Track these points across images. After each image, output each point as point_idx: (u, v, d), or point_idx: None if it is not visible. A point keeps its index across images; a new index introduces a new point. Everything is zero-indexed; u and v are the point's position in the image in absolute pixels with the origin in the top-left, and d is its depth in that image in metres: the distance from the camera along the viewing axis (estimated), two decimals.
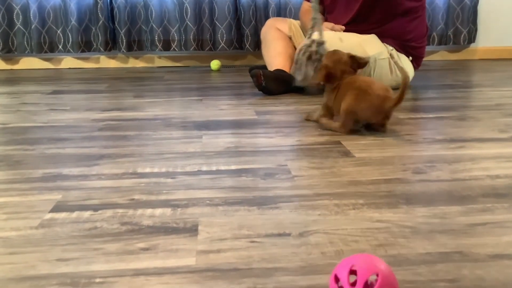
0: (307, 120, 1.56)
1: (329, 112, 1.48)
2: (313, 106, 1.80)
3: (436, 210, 0.88)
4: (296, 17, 2.73)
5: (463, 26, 3.09)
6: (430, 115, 1.63)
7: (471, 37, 3.13)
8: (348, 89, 1.39)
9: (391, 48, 2.04)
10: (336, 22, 2.11)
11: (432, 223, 0.83)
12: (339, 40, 1.95)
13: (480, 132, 1.41)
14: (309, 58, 1.56)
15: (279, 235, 0.79)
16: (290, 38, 2.30)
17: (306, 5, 2.30)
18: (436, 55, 3.22)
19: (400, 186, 1.00)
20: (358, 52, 1.92)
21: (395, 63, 2.04)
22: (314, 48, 1.55)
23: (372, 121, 1.39)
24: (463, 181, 1.02)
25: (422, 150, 1.25)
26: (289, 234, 0.79)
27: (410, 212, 0.87)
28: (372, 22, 2.06)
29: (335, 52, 1.50)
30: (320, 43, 1.56)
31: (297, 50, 1.62)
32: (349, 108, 1.37)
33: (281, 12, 3.00)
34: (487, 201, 0.92)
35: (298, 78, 1.59)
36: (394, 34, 2.05)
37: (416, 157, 1.20)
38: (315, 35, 1.58)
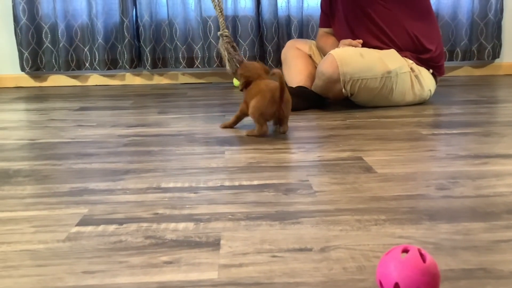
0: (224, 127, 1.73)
1: (242, 111, 1.68)
2: (335, 122, 1.80)
3: (459, 227, 0.87)
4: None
5: (487, 42, 3.07)
6: (454, 131, 1.62)
7: (496, 53, 3.10)
8: (250, 95, 1.59)
9: (411, 61, 2.04)
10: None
11: (455, 240, 0.82)
12: (360, 56, 1.96)
13: (504, 148, 1.39)
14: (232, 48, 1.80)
15: (301, 250, 0.80)
16: (310, 57, 2.32)
17: (322, 31, 2.35)
18: (460, 71, 3.20)
19: (423, 202, 1.00)
20: (379, 67, 1.95)
21: (416, 76, 2.04)
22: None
23: (273, 111, 1.55)
24: (487, 198, 1.01)
25: (446, 166, 1.24)
26: (310, 249, 0.80)
27: (433, 228, 0.87)
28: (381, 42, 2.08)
29: (250, 62, 1.72)
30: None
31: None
32: (254, 110, 1.56)
33: (303, 29, 3.03)
34: (511, 218, 0.91)
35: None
36: (406, 45, 2.05)
37: (439, 173, 1.19)
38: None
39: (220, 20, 1.84)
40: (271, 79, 1.60)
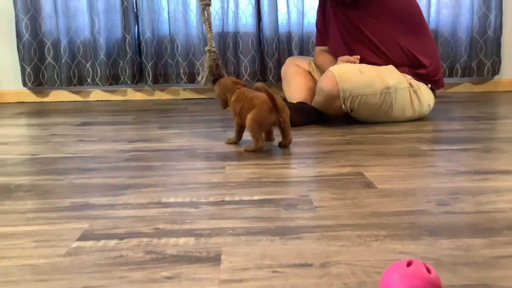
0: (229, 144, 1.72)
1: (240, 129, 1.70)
2: (335, 137, 1.81)
3: (459, 243, 0.87)
4: None
5: (486, 58, 3.09)
6: (454, 147, 1.62)
7: (495, 69, 3.12)
8: (245, 110, 1.61)
9: (409, 77, 2.06)
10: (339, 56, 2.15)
11: (456, 256, 0.82)
12: (359, 72, 1.97)
13: (504, 164, 1.40)
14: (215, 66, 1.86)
15: (301, 265, 0.80)
16: (309, 73, 2.34)
17: (318, 49, 2.38)
18: (460, 87, 3.21)
19: (423, 217, 1.00)
20: (378, 83, 1.96)
21: (415, 92, 2.05)
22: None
23: (272, 121, 1.57)
24: (488, 214, 1.01)
25: (446, 182, 1.24)
26: (311, 265, 0.80)
27: (434, 244, 0.87)
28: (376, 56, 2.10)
29: (219, 81, 1.76)
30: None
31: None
32: (252, 123, 1.56)
33: (303, 45, 3.05)
34: (511, 234, 0.91)
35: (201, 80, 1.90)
36: (403, 61, 2.07)
37: (440, 188, 1.19)
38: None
39: (209, 35, 1.88)
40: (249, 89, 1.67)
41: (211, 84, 1.85)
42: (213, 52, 1.85)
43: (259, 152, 1.59)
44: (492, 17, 3.05)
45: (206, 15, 1.85)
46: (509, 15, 3.13)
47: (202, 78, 1.87)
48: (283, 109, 1.58)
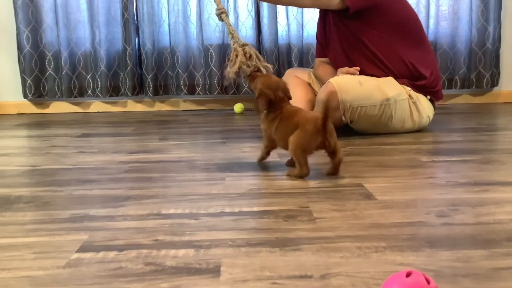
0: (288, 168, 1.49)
1: (271, 141, 1.50)
2: None
3: (459, 254, 0.87)
4: None
5: (485, 70, 3.10)
6: (454, 158, 1.63)
7: (494, 81, 3.13)
8: (288, 126, 1.41)
9: (408, 88, 2.06)
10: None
11: (456, 267, 0.82)
12: (359, 83, 1.98)
13: (504, 176, 1.40)
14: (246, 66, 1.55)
15: (301, 277, 0.80)
16: (309, 84, 2.35)
17: (318, 61, 2.39)
18: (459, 99, 3.22)
19: (423, 229, 1.00)
20: (378, 94, 1.96)
21: (414, 103, 2.06)
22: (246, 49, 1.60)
23: (317, 144, 1.37)
24: (487, 225, 1.01)
25: (446, 193, 1.24)
26: (311, 276, 0.80)
27: (434, 256, 0.87)
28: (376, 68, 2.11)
29: (270, 77, 1.50)
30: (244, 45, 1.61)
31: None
32: (295, 147, 1.37)
33: (303, 56, 3.07)
34: (511, 245, 0.90)
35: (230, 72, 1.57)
36: (404, 73, 2.08)
37: (440, 200, 1.19)
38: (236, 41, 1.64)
39: (234, 35, 1.66)
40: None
41: (244, 78, 1.56)
42: (245, 44, 1.61)
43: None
44: (490, 29, 3.07)
45: (225, 21, 1.76)
46: (508, 27, 3.15)
47: (228, 69, 1.57)
48: (331, 132, 1.37)
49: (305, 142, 1.37)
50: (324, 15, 2.29)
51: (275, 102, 1.46)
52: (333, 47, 2.24)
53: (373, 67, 2.09)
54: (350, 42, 2.13)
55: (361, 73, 2.07)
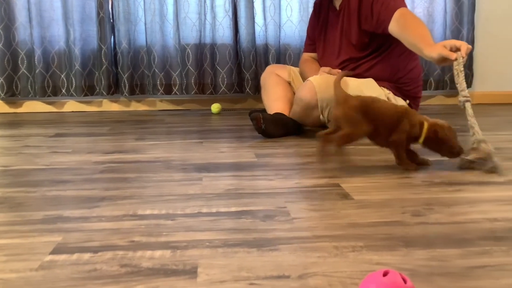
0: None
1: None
2: (313, 148, 1.81)
3: (434, 253, 0.88)
4: (295, 64, 2.80)
5: None
6: (429, 158, 1.64)
7: (468, 82, 3.18)
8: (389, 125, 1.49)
9: (388, 91, 2.08)
10: (327, 65, 2.17)
11: (431, 266, 0.83)
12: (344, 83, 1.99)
13: (478, 176, 1.42)
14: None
15: (279, 277, 0.79)
16: (289, 83, 2.35)
17: (306, 55, 2.39)
18: (434, 100, 3.27)
19: (399, 228, 1.01)
20: (356, 94, 1.97)
21: None
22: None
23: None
24: (462, 224, 1.03)
25: (421, 193, 1.26)
26: (288, 277, 0.80)
27: (409, 255, 0.87)
28: (363, 67, 2.12)
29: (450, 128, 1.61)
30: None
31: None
32: (398, 142, 1.48)
33: (280, 57, 3.08)
34: (485, 244, 0.92)
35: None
36: (387, 76, 2.10)
37: (415, 199, 1.20)
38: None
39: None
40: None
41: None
42: (483, 141, 1.59)
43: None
44: (464, 31, 3.12)
45: (468, 111, 1.72)
46: (481, 29, 3.21)
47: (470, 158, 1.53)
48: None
49: (403, 138, 1.49)
50: (319, 12, 2.29)
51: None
52: (325, 44, 2.25)
53: (358, 68, 2.11)
54: (342, 42, 2.15)
55: (347, 69, 2.09)
